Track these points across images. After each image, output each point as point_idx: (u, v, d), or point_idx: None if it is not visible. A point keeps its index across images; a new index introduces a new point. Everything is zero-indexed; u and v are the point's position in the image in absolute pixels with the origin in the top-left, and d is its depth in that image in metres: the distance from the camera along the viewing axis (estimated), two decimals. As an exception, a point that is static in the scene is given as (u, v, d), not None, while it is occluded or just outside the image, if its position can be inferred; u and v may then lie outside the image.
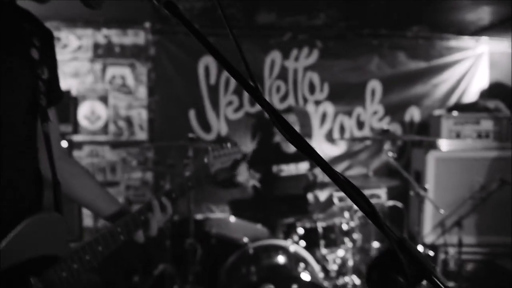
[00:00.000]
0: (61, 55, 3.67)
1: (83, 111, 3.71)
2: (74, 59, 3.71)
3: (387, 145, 2.68)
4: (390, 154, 2.57)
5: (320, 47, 4.04)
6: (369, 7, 3.41)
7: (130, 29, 3.80)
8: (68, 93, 3.27)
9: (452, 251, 3.58)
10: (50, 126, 1.07)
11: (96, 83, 3.77)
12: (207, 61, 3.87)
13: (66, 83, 3.67)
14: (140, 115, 3.85)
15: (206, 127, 3.89)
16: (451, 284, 3.54)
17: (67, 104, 3.13)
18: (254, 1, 3.24)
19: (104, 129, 3.79)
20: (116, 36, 3.79)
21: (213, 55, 0.65)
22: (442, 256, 3.63)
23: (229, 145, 1.55)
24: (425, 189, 2.27)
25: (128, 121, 3.84)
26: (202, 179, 1.38)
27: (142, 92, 3.84)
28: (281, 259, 2.24)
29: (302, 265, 2.20)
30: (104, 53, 3.77)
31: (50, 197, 1.07)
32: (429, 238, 3.54)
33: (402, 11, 3.52)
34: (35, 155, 1.08)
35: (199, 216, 3.65)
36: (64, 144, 3.10)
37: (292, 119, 3.55)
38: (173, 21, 3.69)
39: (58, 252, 1.05)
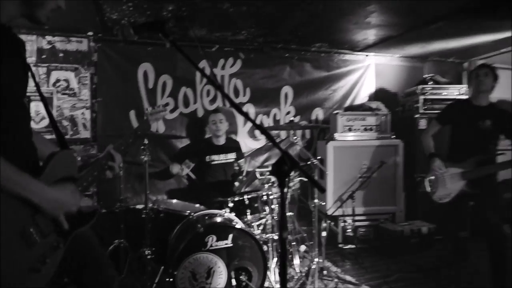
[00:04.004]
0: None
1: (28, 112, 4.01)
2: (18, 63, 4.00)
3: (292, 133, 3.49)
4: (294, 137, 3.37)
5: (243, 58, 4.75)
6: (281, 27, 4.16)
7: (74, 37, 4.17)
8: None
9: (348, 219, 4.52)
10: None
11: (40, 86, 4.07)
12: (145, 67, 4.36)
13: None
14: (84, 115, 4.25)
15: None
16: (349, 246, 4.49)
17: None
18: (190, 20, 3.84)
19: (49, 129, 4.11)
20: (60, 43, 4.14)
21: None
22: (341, 224, 4.55)
23: (160, 106, 2.14)
24: (315, 159, 3.09)
25: (72, 120, 4.21)
26: (142, 131, 1.88)
27: (86, 94, 4.23)
28: (218, 219, 2.92)
29: (234, 222, 2.90)
30: (48, 58, 4.10)
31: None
32: (330, 211, 4.46)
33: (306, 31, 4.32)
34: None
35: (139, 206, 3.96)
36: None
37: (220, 117, 4.23)
38: (114, 31, 4.12)
39: (74, 174, 1.59)
